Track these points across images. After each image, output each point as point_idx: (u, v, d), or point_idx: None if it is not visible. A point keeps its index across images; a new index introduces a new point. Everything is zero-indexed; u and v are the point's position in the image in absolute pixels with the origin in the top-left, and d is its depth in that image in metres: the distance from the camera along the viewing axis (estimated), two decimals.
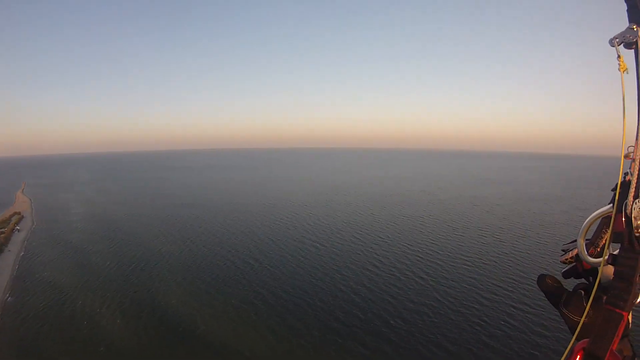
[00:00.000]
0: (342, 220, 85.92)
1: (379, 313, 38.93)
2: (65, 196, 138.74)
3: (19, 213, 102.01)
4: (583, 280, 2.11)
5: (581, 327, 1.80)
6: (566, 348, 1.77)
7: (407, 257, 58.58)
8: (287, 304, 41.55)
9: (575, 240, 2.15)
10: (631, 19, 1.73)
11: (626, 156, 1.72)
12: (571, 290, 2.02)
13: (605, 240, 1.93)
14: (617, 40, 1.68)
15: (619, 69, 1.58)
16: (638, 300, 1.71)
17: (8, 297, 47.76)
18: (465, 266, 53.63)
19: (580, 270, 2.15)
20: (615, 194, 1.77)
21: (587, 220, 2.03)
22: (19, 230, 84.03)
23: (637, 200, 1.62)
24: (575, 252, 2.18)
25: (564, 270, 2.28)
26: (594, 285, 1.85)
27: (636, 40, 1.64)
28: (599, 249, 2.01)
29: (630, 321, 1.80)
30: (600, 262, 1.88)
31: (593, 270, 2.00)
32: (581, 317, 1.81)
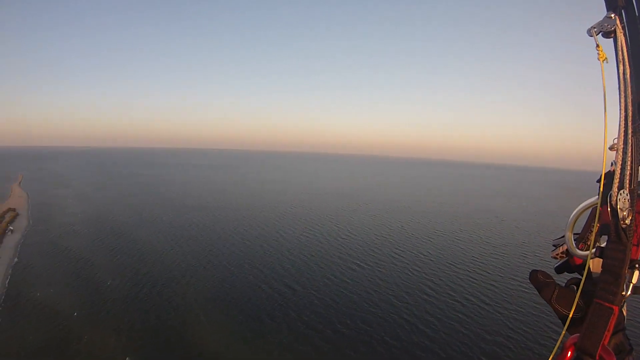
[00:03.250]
0: (374, 233, 79.99)
1: (462, 349, 33.24)
2: (62, 192, 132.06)
3: (13, 209, 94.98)
4: (576, 275, 1.97)
5: (573, 322, 1.68)
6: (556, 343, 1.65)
7: (458, 278, 53.22)
8: (354, 344, 34.93)
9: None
10: (609, 8, 1.65)
11: (610, 148, 1.63)
12: (563, 285, 1.89)
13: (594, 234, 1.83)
14: (595, 29, 1.60)
15: (598, 59, 1.54)
16: (628, 293, 1.61)
17: None
18: (528, 291, 47.95)
19: (572, 265, 2.01)
20: (600, 186, 1.68)
21: (574, 213, 1.92)
22: (12, 231, 75.66)
23: (621, 191, 1.52)
24: (565, 247, 2.06)
25: (556, 265, 2.12)
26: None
27: (614, 29, 1.57)
28: (589, 243, 1.90)
29: (625, 315, 1.73)
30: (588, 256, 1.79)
31: (585, 265, 1.84)
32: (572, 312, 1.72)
